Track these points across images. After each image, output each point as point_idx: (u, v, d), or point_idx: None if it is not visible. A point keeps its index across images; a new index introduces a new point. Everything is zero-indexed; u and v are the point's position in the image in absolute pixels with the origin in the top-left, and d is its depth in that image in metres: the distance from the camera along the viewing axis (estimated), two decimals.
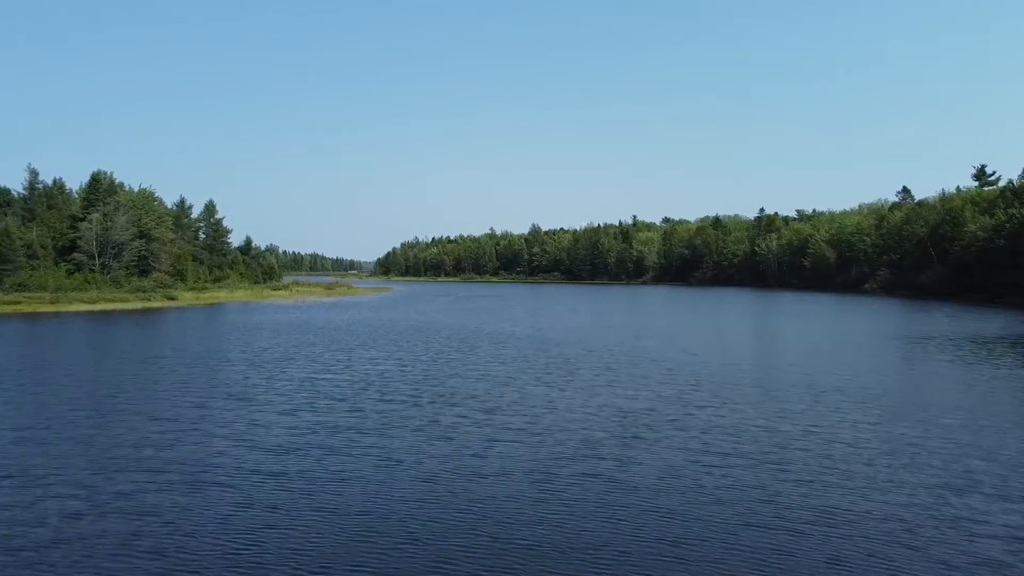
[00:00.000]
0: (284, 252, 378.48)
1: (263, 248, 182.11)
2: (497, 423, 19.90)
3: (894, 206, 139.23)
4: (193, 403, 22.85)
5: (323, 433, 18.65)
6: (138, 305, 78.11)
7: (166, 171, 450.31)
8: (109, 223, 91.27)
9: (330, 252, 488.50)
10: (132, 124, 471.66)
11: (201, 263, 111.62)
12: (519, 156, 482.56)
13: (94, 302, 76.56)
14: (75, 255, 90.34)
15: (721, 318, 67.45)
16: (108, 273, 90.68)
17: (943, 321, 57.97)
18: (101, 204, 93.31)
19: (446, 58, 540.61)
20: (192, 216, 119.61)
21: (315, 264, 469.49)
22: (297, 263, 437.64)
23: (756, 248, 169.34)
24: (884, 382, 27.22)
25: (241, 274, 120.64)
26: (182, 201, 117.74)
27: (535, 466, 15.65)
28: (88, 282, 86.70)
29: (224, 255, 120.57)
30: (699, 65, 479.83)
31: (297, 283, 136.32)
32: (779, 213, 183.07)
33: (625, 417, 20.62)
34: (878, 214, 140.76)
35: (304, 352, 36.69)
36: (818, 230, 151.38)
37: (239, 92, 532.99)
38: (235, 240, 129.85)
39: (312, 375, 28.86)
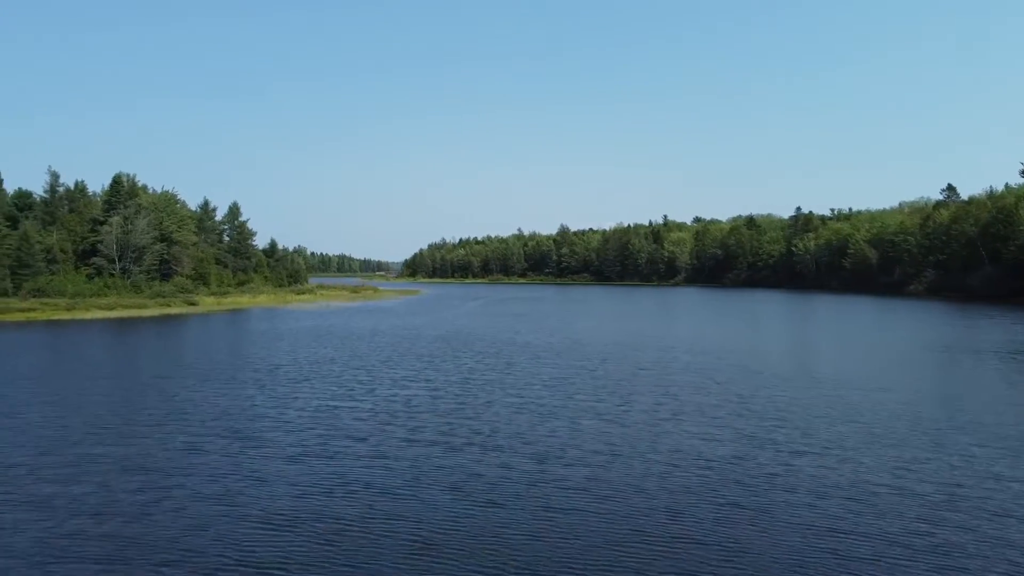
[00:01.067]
0: (312, 254, 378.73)
1: (291, 250, 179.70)
2: (551, 479, 16.00)
3: (939, 204, 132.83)
4: (186, 443, 19.28)
5: (338, 494, 14.90)
6: (157, 311, 75.47)
7: (192, 173, 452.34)
8: (129, 226, 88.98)
9: (358, 253, 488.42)
10: (157, 125, 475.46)
11: (225, 266, 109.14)
12: (547, 155, 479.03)
13: (112, 308, 74.04)
14: (95, 259, 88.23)
15: (769, 325, 62.92)
16: (128, 278, 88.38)
17: (1014, 328, 53.08)
18: (122, 207, 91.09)
19: (474, 56, 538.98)
20: (216, 219, 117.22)
21: (343, 265, 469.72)
22: (325, 264, 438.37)
23: (793, 248, 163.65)
24: (1004, 415, 22.82)
25: (265, 277, 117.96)
26: (206, 203, 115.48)
27: (613, 556, 11.72)
28: (107, 287, 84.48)
29: (248, 258, 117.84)
30: (732, 62, 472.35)
31: (322, 286, 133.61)
32: (813, 212, 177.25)
33: (711, 470, 16.58)
34: (923, 213, 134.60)
35: (322, 371, 33.10)
36: (858, 229, 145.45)
37: (270, 91, 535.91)
38: (260, 242, 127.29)
39: (328, 402, 25.21)
